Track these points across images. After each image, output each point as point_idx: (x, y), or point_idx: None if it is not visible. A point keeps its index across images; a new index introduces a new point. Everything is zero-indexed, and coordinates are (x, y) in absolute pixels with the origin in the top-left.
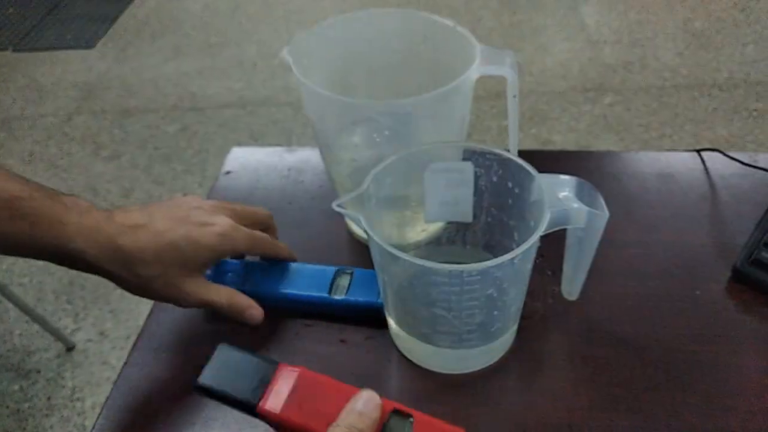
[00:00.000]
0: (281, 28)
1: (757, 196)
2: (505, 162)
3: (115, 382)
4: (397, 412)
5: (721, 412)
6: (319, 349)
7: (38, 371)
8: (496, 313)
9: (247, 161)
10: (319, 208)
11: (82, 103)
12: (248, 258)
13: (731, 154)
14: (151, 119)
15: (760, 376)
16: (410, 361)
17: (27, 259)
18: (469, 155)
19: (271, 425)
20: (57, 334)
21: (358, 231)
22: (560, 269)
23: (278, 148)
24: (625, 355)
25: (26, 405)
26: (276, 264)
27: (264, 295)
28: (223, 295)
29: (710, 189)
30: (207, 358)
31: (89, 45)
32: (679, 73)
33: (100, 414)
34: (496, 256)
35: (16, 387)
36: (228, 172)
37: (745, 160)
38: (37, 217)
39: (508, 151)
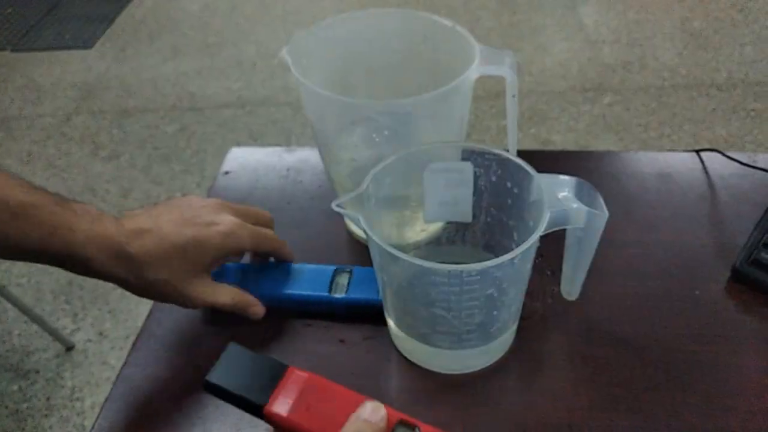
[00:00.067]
0: (279, 28)
1: (756, 196)
2: (504, 162)
3: (114, 382)
4: (402, 422)
5: (721, 412)
6: (319, 349)
7: (37, 371)
8: (495, 313)
9: (246, 161)
10: (318, 208)
11: (81, 103)
12: (244, 261)
13: (730, 154)
14: (150, 119)
15: (760, 376)
16: (410, 361)
17: None
18: (468, 155)
19: (276, 428)
20: (56, 335)
21: (357, 231)
22: (560, 269)
23: (277, 148)
24: (625, 355)
25: (25, 405)
26: (274, 265)
27: (265, 297)
28: (228, 294)
29: (709, 189)
30: (214, 356)
31: (88, 45)
32: (678, 73)
33: (99, 414)
34: (495, 256)
35: (15, 387)
36: (227, 172)
37: (744, 161)
38: (47, 225)
39: (508, 151)
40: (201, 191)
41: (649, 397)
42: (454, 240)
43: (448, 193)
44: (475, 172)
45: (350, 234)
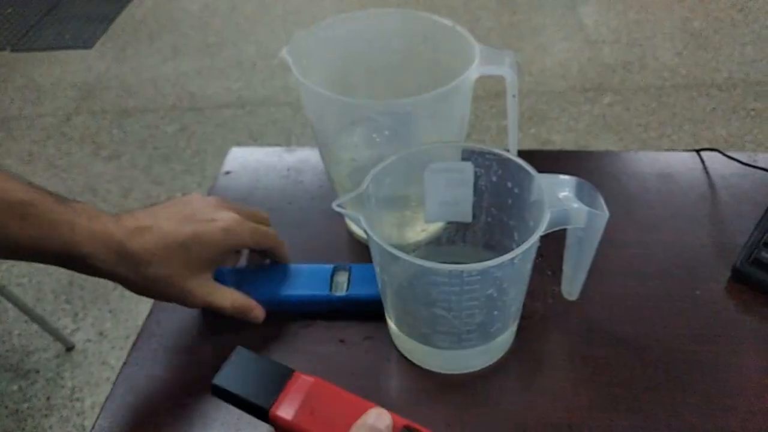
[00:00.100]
0: (279, 28)
1: (756, 196)
2: (504, 162)
3: (114, 382)
4: (408, 428)
5: (721, 412)
6: (319, 349)
7: (37, 371)
8: (495, 313)
9: (247, 161)
10: (318, 208)
11: (81, 103)
12: (240, 264)
13: (730, 154)
14: (150, 119)
15: (760, 376)
16: (410, 361)
17: None
18: (468, 155)
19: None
20: (56, 334)
21: (357, 231)
22: (560, 269)
23: (278, 148)
24: (625, 355)
25: (25, 405)
26: (270, 267)
27: (264, 300)
28: (228, 296)
29: (710, 189)
30: (214, 356)
31: (87, 45)
32: (678, 73)
33: (99, 414)
34: (496, 256)
35: (15, 387)
36: (227, 172)
37: (745, 160)
38: (47, 223)
39: (508, 151)
40: (202, 191)
41: (649, 397)
42: (455, 240)
43: (449, 193)
44: (475, 172)
45: (351, 234)
